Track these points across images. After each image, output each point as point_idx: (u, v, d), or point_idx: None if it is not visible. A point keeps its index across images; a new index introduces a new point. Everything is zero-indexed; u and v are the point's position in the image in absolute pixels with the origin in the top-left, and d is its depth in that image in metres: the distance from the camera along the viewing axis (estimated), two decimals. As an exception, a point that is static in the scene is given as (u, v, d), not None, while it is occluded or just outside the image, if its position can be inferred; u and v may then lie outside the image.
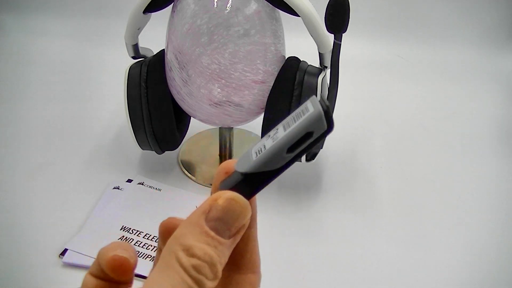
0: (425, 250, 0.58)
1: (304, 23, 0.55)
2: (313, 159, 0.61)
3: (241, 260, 0.27)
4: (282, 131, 0.24)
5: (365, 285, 0.54)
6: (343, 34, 0.54)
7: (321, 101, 0.23)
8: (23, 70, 0.90)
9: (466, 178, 0.69)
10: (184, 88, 0.58)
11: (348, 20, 0.54)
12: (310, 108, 0.23)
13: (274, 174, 0.25)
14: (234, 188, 0.25)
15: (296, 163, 0.68)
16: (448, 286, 0.55)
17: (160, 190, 0.64)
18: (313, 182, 0.67)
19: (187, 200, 0.63)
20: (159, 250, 0.28)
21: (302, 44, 0.62)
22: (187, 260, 0.23)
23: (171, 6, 0.57)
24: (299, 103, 0.56)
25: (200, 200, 0.66)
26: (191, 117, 0.65)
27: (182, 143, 0.66)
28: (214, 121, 0.61)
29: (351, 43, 0.68)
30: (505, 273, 0.56)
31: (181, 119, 0.65)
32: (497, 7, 0.93)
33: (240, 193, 0.24)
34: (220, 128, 0.67)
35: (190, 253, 0.23)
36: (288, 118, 0.24)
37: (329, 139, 0.61)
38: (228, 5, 0.54)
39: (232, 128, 0.67)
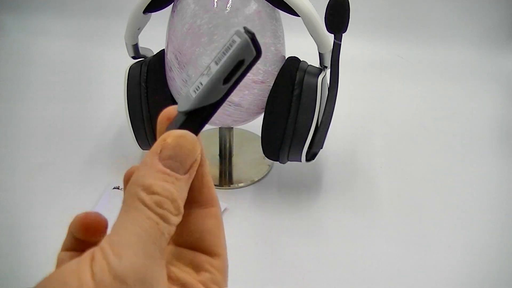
0: (425, 250, 0.58)
1: (304, 23, 0.55)
2: (313, 159, 0.61)
3: (200, 196, 0.28)
4: (215, 66, 0.25)
5: (365, 285, 0.54)
6: (343, 34, 0.54)
7: (246, 30, 0.25)
8: (23, 70, 0.90)
9: (466, 178, 0.69)
10: (184, 88, 0.58)
11: (348, 20, 0.54)
12: (237, 39, 0.25)
13: (214, 106, 0.26)
14: (180, 127, 0.26)
15: (296, 163, 0.68)
16: (448, 286, 0.55)
17: (160, 190, 0.64)
18: (313, 182, 0.67)
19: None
20: (69, 238, 0.29)
21: (302, 44, 0.62)
22: (149, 198, 0.24)
23: (171, 6, 0.57)
24: (299, 103, 0.56)
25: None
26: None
27: (182, 143, 0.66)
28: (214, 121, 0.61)
29: (351, 43, 0.68)
30: (505, 273, 0.56)
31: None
32: (497, 7, 0.93)
33: (187, 130, 0.26)
34: (220, 128, 0.67)
35: (150, 191, 0.24)
36: (218, 54, 0.25)
37: (329, 139, 0.61)
38: (228, 5, 0.54)
39: (232, 128, 0.67)
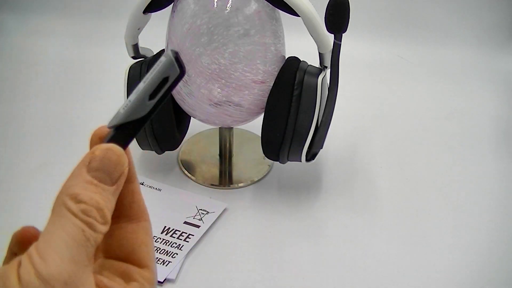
0: (425, 250, 0.58)
1: (304, 23, 0.55)
2: (313, 159, 0.61)
3: (130, 211, 0.29)
4: (142, 84, 0.27)
5: (365, 285, 0.54)
6: (343, 34, 0.54)
7: (171, 50, 0.27)
8: (23, 70, 0.90)
9: (466, 178, 0.69)
10: (184, 88, 0.58)
11: (348, 20, 0.54)
12: (162, 59, 0.27)
13: (141, 121, 0.28)
14: (109, 141, 0.28)
15: (296, 163, 0.68)
16: (448, 286, 0.55)
17: (160, 190, 0.64)
18: (313, 182, 0.67)
19: (187, 200, 0.63)
20: (9, 254, 0.30)
21: (302, 44, 0.62)
22: (75, 207, 0.25)
23: (171, 6, 0.57)
24: (299, 103, 0.56)
25: (200, 200, 0.66)
26: (191, 117, 0.65)
27: (182, 143, 0.66)
28: (214, 121, 0.61)
29: (351, 43, 0.68)
30: (505, 273, 0.56)
31: (181, 119, 0.65)
32: (497, 7, 0.93)
33: (115, 144, 0.28)
34: (220, 128, 0.67)
35: (77, 200, 0.25)
36: (147, 74, 0.27)
37: (329, 139, 0.61)
38: (228, 5, 0.54)
39: (232, 128, 0.67)
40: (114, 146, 0.27)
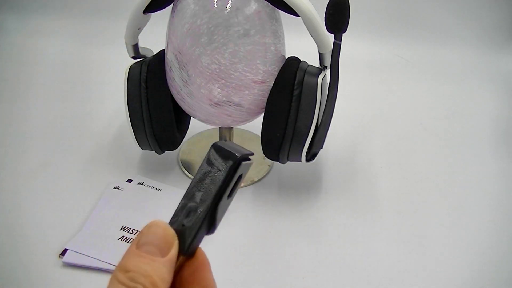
0: (425, 250, 0.58)
1: (304, 23, 0.55)
2: (313, 159, 0.61)
3: None
4: (213, 187, 0.29)
5: (365, 285, 0.54)
6: (343, 34, 0.54)
7: (234, 154, 0.28)
8: (23, 70, 0.90)
9: (466, 178, 0.69)
10: (184, 88, 0.58)
11: (348, 20, 0.54)
12: (229, 163, 0.28)
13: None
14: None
15: (296, 163, 0.68)
16: (448, 286, 0.55)
17: (160, 190, 0.64)
18: (313, 182, 0.67)
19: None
20: None
21: (302, 44, 0.62)
22: (124, 276, 0.26)
23: (171, 6, 0.57)
24: (299, 103, 0.56)
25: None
26: (191, 117, 0.65)
27: (182, 143, 0.66)
28: (214, 121, 0.61)
29: (351, 43, 0.69)
30: (505, 273, 0.56)
31: (181, 119, 0.65)
32: (497, 7, 0.93)
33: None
34: (220, 128, 0.67)
35: (125, 269, 0.27)
36: (199, 179, 0.29)
37: (329, 139, 0.61)
38: (228, 5, 0.54)
39: (232, 128, 0.67)
40: (158, 221, 0.28)
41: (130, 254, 0.27)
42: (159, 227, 0.28)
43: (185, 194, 0.29)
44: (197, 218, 0.28)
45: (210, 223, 0.29)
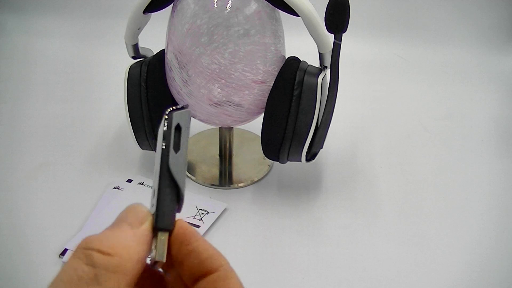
0: (425, 250, 0.58)
1: (304, 23, 0.55)
2: (313, 159, 0.61)
3: (203, 267, 0.28)
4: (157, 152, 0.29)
5: (365, 285, 0.54)
6: (343, 34, 0.54)
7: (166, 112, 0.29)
8: (23, 70, 0.90)
9: (466, 178, 0.69)
10: (184, 88, 0.58)
11: (348, 20, 0.54)
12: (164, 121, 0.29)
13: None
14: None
15: (296, 163, 0.68)
16: (448, 286, 0.55)
17: (160, 190, 0.64)
18: (313, 182, 0.67)
19: (187, 200, 0.62)
20: None
21: (302, 44, 0.62)
22: (80, 248, 0.26)
23: (171, 6, 0.57)
24: (299, 103, 0.56)
25: (200, 200, 0.66)
26: (191, 117, 0.65)
27: (182, 143, 0.66)
28: (214, 121, 0.61)
29: (351, 43, 0.69)
30: (505, 273, 0.56)
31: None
32: (496, 7, 0.93)
33: None
34: (220, 128, 0.67)
35: (85, 241, 0.26)
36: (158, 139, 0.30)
37: (329, 139, 0.61)
38: (228, 5, 0.54)
39: (232, 128, 0.67)
40: (133, 204, 0.29)
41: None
42: (132, 206, 0.28)
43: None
44: (157, 189, 0.28)
45: (172, 188, 0.29)
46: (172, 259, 0.29)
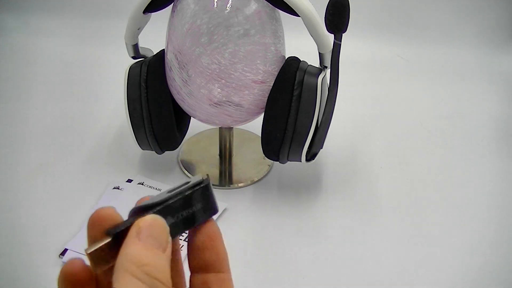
0: (425, 250, 0.58)
1: (304, 23, 0.55)
2: (313, 159, 0.61)
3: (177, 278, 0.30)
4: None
5: (365, 285, 0.54)
6: (343, 34, 0.54)
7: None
8: (23, 70, 0.90)
9: (466, 178, 0.69)
10: (184, 88, 0.58)
11: (348, 20, 0.54)
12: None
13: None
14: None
15: (296, 163, 0.68)
16: (448, 286, 0.55)
17: (160, 190, 0.64)
18: (313, 182, 0.67)
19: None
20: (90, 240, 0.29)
21: (302, 44, 0.62)
22: (138, 270, 0.25)
23: (171, 6, 0.57)
24: (299, 103, 0.56)
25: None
26: (191, 117, 0.65)
27: (182, 143, 0.66)
28: (214, 121, 0.61)
29: (351, 43, 0.68)
30: (506, 273, 0.56)
31: (181, 119, 0.65)
32: (496, 7, 0.93)
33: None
34: (220, 128, 0.67)
35: (138, 263, 0.25)
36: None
37: (329, 139, 0.61)
38: (228, 5, 0.54)
39: (232, 128, 0.67)
40: (156, 217, 0.28)
41: (135, 245, 0.26)
42: (158, 223, 0.27)
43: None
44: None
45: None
46: (192, 247, 0.30)
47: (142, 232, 0.26)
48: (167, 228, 0.27)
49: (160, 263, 0.26)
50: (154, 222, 0.27)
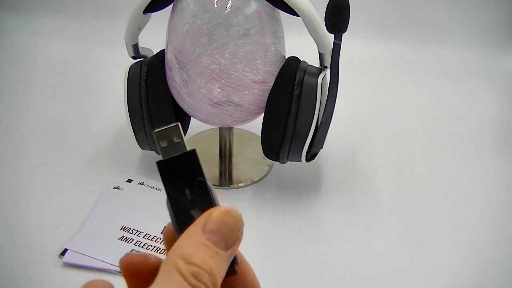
0: (425, 250, 0.58)
1: (304, 23, 0.55)
2: (313, 159, 0.61)
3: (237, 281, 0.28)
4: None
5: (365, 285, 0.54)
6: (343, 34, 0.54)
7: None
8: (23, 70, 0.90)
9: (466, 178, 0.69)
10: (184, 88, 0.58)
11: (348, 20, 0.54)
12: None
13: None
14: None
15: (296, 163, 0.68)
16: (448, 286, 0.55)
17: (160, 190, 0.64)
18: (313, 182, 0.67)
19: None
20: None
21: (302, 44, 0.62)
22: (186, 268, 0.23)
23: (171, 6, 0.57)
24: (299, 103, 0.56)
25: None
26: (191, 117, 0.65)
27: (182, 143, 0.66)
28: (214, 121, 0.61)
29: (351, 43, 0.68)
30: (506, 273, 0.56)
31: (181, 119, 0.65)
32: (496, 7, 0.93)
33: None
34: (220, 128, 0.67)
35: (189, 261, 0.23)
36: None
37: (329, 139, 0.61)
38: (228, 5, 0.54)
39: (232, 128, 0.67)
40: (232, 210, 0.25)
41: (194, 240, 0.24)
42: (233, 217, 0.25)
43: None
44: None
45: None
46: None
47: (208, 225, 0.25)
48: (240, 223, 0.25)
49: (215, 263, 0.24)
50: (224, 218, 0.25)
